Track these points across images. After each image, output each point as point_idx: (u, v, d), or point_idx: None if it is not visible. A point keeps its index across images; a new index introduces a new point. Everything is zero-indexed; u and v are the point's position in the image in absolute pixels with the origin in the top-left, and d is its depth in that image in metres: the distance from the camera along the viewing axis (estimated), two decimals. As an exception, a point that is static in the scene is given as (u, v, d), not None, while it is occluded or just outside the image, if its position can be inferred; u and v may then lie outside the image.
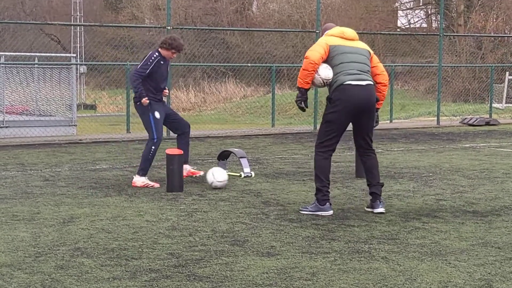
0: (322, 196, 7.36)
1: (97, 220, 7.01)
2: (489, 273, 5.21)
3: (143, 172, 9.34)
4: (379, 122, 7.92)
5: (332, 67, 7.37)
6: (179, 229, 6.62)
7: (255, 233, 6.47)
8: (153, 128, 9.40)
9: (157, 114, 9.41)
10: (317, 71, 7.34)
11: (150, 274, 5.15)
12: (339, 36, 7.51)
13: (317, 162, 7.44)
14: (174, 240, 6.18)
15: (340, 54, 7.37)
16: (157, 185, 9.22)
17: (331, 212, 7.36)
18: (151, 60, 9.34)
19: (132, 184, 9.30)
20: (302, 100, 7.46)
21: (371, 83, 7.43)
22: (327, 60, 7.40)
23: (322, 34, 7.76)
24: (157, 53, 9.45)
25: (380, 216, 7.25)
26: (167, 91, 9.73)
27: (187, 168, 9.88)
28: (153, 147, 9.37)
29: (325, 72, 7.35)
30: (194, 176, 10.00)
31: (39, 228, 6.64)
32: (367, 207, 7.58)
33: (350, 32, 7.61)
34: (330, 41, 7.44)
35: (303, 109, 7.54)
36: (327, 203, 7.36)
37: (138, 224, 6.86)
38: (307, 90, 7.46)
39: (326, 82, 7.39)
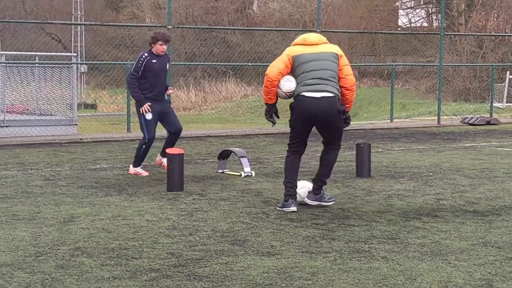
0: (286, 192, 7.56)
1: (97, 220, 7.01)
2: (489, 273, 5.21)
3: (134, 164, 10.16)
4: (350, 123, 7.85)
5: (295, 77, 7.47)
6: (179, 229, 6.62)
7: (255, 233, 6.47)
8: (144, 129, 9.89)
9: (148, 116, 9.81)
10: (278, 85, 7.47)
11: (150, 274, 5.15)
12: (301, 43, 7.57)
13: (285, 161, 7.74)
14: (174, 240, 6.18)
15: (301, 64, 7.43)
16: (145, 173, 10.06)
17: (293, 208, 7.45)
18: (140, 61, 9.71)
19: (128, 171, 10.24)
20: (270, 114, 7.72)
21: (329, 94, 7.37)
22: (291, 71, 7.50)
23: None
24: (146, 53, 9.78)
25: (380, 215, 7.26)
26: (170, 90, 10.12)
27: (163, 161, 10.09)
28: (143, 146, 9.97)
29: (287, 85, 7.47)
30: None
31: (39, 228, 6.64)
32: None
33: (313, 36, 7.63)
34: (293, 52, 7.52)
35: (273, 122, 7.86)
36: (289, 200, 7.50)
37: (138, 223, 6.86)
38: (273, 104, 7.65)
39: (290, 94, 7.50)
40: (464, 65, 29.66)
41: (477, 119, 20.09)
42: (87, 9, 47.45)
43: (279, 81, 7.46)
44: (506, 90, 25.39)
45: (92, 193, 8.61)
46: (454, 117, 22.29)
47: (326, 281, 4.99)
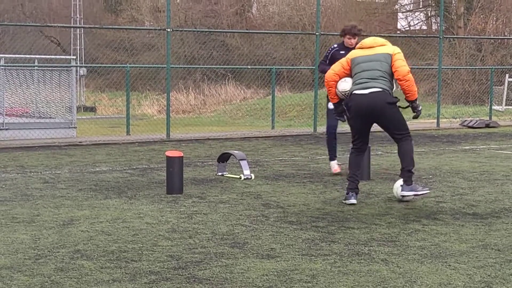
0: (348, 186, 8.15)
1: (97, 222, 7.01)
2: (489, 275, 5.21)
3: (329, 157, 10.58)
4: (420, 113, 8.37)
5: (352, 78, 8.12)
6: (179, 231, 6.62)
7: (255, 235, 6.47)
8: (327, 117, 10.53)
9: (330, 105, 10.23)
10: (336, 86, 8.15)
11: (150, 276, 5.15)
12: (359, 47, 8.25)
13: (349, 157, 8.36)
14: (174, 242, 6.18)
15: (355, 65, 8.09)
16: (337, 170, 10.40)
17: (353, 201, 8.02)
18: (328, 51, 10.53)
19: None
20: (338, 112, 8.36)
21: (377, 89, 7.95)
22: (350, 72, 8.15)
23: None
24: (336, 45, 10.50)
25: (380, 218, 7.26)
26: None
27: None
28: (326, 135, 10.60)
29: (342, 85, 8.15)
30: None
31: (38, 230, 6.64)
32: None
33: (369, 41, 8.22)
34: (352, 54, 8.23)
35: (342, 120, 8.53)
36: (350, 192, 8.07)
37: (138, 226, 6.86)
38: (338, 103, 8.27)
39: (345, 94, 8.14)
40: (463, 68, 29.67)
41: (476, 122, 20.09)
42: (86, 12, 47.47)
43: (335, 82, 8.14)
44: (505, 93, 25.40)
45: (91, 196, 8.61)
46: (454, 120, 22.29)
47: (326, 284, 4.99)
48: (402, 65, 8.01)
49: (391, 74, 8.05)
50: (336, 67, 8.21)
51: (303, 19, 37.96)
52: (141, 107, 34.61)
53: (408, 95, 8.15)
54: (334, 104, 8.33)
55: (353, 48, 10.04)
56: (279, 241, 6.26)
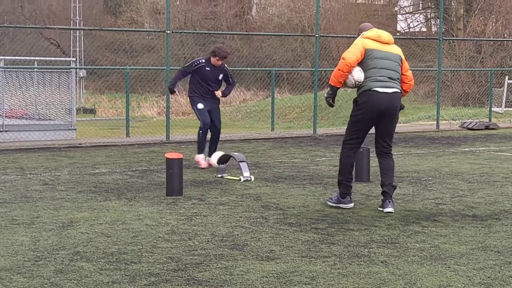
0: (343, 189, 7.86)
1: (96, 224, 7.01)
2: (488, 277, 5.21)
3: (198, 150, 11.45)
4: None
5: (364, 70, 7.76)
6: (179, 233, 6.62)
7: (255, 237, 6.47)
8: (198, 116, 11.29)
9: (199, 105, 11.21)
10: (351, 72, 7.74)
11: (150, 278, 5.15)
12: (375, 39, 7.88)
13: (341, 157, 7.97)
14: (174, 244, 6.18)
15: (373, 59, 7.76)
16: (204, 165, 11.21)
17: (351, 205, 7.86)
18: (195, 64, 11.18)
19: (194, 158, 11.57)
20: (332, 97, 7.95)
21: (398, 90, 7.81)
22: (360, 63, 7.78)
23: (359, 34, 8.05)
24: (203, 60, 11.19)
25: (380, 220, 7.26)
26: (218, 93, 11.34)
27: (210, 160, 11.24)
28: (200, 132, 11.30)
29: (358, 74, 7.77)
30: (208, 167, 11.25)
31: (38, 232, 6.64)
32: (379, 207, 7.85)
33: (386, 36, 7.97)
34: (367, 44, 7.82)
35: (331, 105, 8.10)
36: (348, 197, 7.84)
37: (138, 228, 6.85)
38: (338, 88, 7.89)
39: (358, 83, 7.81)
40: (462, 70, 29.69)
41: (476, 124, 20.09)
42: (85, 14, 47.52)
43: (353, 68, 7.74)
44: (504, 94, 25.39)
45: (91, 197, 8.60)
46: (453, 121, 22.29)
47: (326, 286, 4.99)
48: (412, 78, 8.09)
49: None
50: (357, 53, 7.70)
51: (302, 21, 37.98)
52: (141, 109, 34.65)
53: (402, 96, 8.09)
54: (334, 88, 7.83)
55: (220, 67, 11.17)
56: (279, 243, 6.26)
